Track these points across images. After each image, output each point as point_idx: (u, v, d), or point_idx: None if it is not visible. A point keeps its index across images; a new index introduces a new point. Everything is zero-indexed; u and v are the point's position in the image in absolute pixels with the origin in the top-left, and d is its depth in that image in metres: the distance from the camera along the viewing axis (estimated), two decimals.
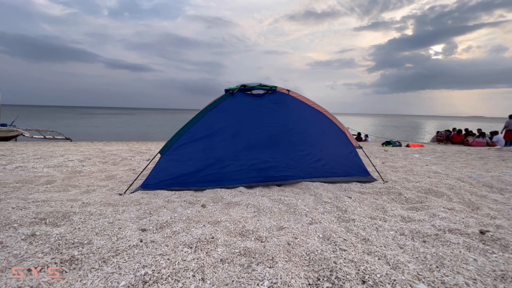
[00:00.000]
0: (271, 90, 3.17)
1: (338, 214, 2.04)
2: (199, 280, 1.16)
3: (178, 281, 1.15)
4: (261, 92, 3.16)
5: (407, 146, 9.40)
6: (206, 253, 1.39)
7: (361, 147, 3.35)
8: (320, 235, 1.61)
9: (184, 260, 1.30)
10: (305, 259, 1.33)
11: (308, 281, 1.15)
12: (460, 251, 1.41)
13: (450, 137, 11.51)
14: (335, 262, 1.27)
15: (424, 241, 1.56)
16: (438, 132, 12.66)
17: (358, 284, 1.12)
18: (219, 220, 1.86)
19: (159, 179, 2.67)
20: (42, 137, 11.41)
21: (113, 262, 1.28)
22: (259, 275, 1.18)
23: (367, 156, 3.68)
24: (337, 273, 1.18)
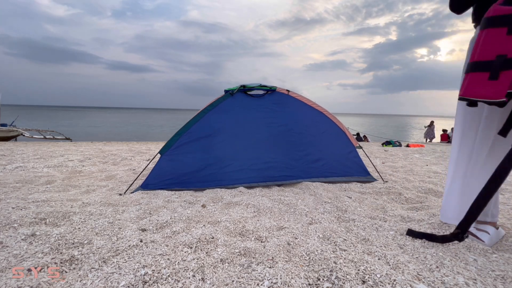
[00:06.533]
0: (271, 91, 3.18)
1: (338, 214, 2.04)
2: (199, 280, 1.16)
3: (178, 281, 1.15)
4: (261, 92, 3.16)
5: (407, 146, 9.41)
6: (206, 253, 1.39)
7: (361, 147, 3.36)
8: (320, 235, 1.61)
9: (184, 260, 1.30)
10: (305, 259, 1.33)
11: (308, 281, 1.15)
12: (460, 251, 1.41)
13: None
14: (335, 262, 1.27)
15: (424, 241, 1.56)
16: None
17: (358, 284, 1.12)
18: (219, 220, 1.85)
19: (159, 179, 2.67)
20: (42, 137, 11.43)
21: (113, 262, 1.28)
22: (259, 275, 1.18)
23: (367, 156, 3.68)
24: (337, 273, 1.18)
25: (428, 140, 13.40)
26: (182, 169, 2.74)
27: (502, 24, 1.22)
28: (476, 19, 1.56)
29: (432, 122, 13.63)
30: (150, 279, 1.14)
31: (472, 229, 1.60)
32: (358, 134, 13.78)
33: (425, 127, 13.94)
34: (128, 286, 1.10)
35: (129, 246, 1.43)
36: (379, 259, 1.33)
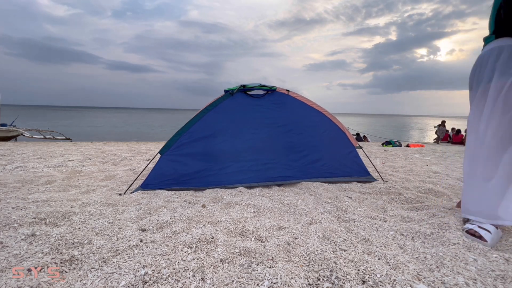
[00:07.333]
0: (271, 91, 3.18)
1: (338, 214, 2.04)
2: (199, 280, 1.16)
3: (178, 281, 1.15)
4: (261, 92, 3.16)
5: (407, 146, 9.41)
6: (206, 253, 1.39)
7: (361, 147, 3.36)
8: (320, 235, 1.61)
9: (184, 260, 1.30)
10: (305, 259, 1.33)
11: (308, 281, 1.15)
12: (460, 251, 1.41)
13: (451, 137, 11.59)
14: (335, 262, 1.27)
15: (424, 241, 1.56)
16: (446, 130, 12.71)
17: (358, 284, 1.12)
18: (219, 220, 1.85)
19: (159, 179, 2.67)
20: (42, 137, 11.42)
21: (113, 262, 1.28)
22: (259, 275, 1.18)
23: (367, 156, 3.68)
24: (337, 273, 1.18)
25: (440, 140, 12.53)
26: (182, 169, 2.74)
27: None
28: (501, 31, 1.63)
29: (443, 122, 12.86)
30: (150, 279, 1.14)
31: (474, 227, 1.60)
32: (358, 134, 13.78)
33: (435, 127, 13.14)
34: (128, 286, 1.10)
35: (129, 246, 1.43)
36: (379, 259, 1.33)
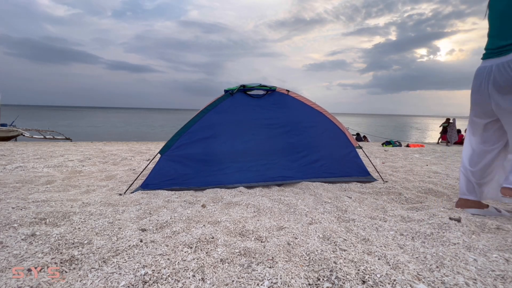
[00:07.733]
0: (271, 91, 3.18)
1: (338, 214, 2.04)
2: (199, 280, 1.16)
3: (178, 281, 1.15)
4: (261, 92, 3.16)
5: (407, 146, 9.41)
6: (206, 253, 1.39)
7: (361, 147, 3.36)
8: (320, 235, 1.61)
9: (184, 260, 1.30)
10: (305, 259, 1.33)
11: (308, 281, 1.15)
12: (460, 251, 1.41)
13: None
14: (335, 262, 1.27)
15: (424, 241, 1.56)
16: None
17: (358, 284, 1.12)
18: (219, 220, 1.86)
19: (159, 179, 2.67)
20: (42, 137, 11.41)
21: (113, 262, 1.28)
22: (259, 275, 1.18)
23: (367, 156, 3.68)
24: (337, 273, 1.18)
25: (456, 141, 10.88)
26: (182, 169, 2.74)
27: None
28: None
29: (448, 120, 11.38)
30: (150, 279, 1.14)
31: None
32: (358, 134, 13.78)
33: (440, 126, 11.69)
34: (128, 286, 1.10)
35: (129, 246, 1.43)
36: (379, 259, 1.33)
